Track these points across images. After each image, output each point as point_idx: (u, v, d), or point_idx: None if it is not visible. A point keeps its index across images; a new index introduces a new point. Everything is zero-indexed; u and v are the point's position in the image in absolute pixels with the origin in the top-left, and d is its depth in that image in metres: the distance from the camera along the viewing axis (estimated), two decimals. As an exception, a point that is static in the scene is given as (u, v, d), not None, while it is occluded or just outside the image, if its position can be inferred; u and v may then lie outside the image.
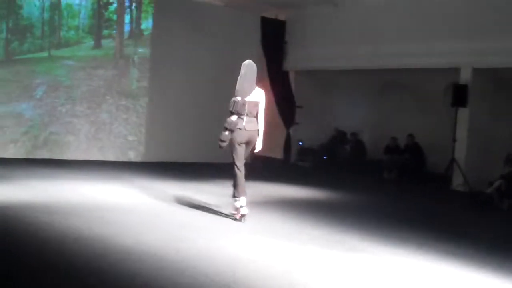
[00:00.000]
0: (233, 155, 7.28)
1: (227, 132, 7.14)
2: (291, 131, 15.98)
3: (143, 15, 13.58)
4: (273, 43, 15.84)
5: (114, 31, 13.24)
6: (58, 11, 12.59)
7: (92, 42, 12.97)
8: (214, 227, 6.92)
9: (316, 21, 15.54)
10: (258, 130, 7.29)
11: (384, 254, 6.15)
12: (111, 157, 13.05)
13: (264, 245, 6.16)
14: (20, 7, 12.12)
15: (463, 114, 12.46)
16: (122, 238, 5.89)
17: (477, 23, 12.07)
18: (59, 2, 12.58)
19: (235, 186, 7.28)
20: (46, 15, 12.41)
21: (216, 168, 13.00)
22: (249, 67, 7.31)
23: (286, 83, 16.13)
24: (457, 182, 12.36)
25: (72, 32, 12.72)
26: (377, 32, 13.93)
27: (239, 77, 7.29)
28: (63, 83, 12.38)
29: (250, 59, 7.43)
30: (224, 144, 7.21)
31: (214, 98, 14.58)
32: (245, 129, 7.16)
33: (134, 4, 13.53)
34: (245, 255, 5.66)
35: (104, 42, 13.08)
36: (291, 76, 16.32)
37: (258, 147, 7.40)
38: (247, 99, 7.17)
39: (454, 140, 12.47)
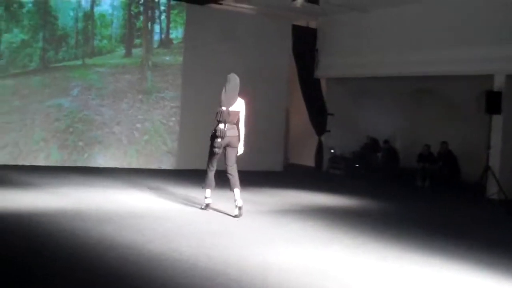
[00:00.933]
0: (209, 155, 8.14)
1: (219, 139, 7.90)
2: (323, 138, 15.92)
3: (172, 25, 13.81)
4: (304, 51, 15.83)
5: (146, 40, 13.45)
6: (92, 21, 12.88)
7: (124, 51, 13.23)
8: (246, 234, 6.93)
9: (347, 29, 15.49)
10: (238, 136, 8.04)
11: (416, 264, 6.06)
12: (143, 165, 13.19)
13: (297, 253, 6.13)
14: (56, 17, 12.45)
15: (497, 121, 12.26)
16: (155, 245, 5.93)
17: (510, 29, 11.89)
18: (92, 12, 12.86)
19: (205, 179, 8.21)
20: (80, 25, 12.74)
21: (249, 176, 13.02)
22: (231, 80, 8.14)
23: (317, 91, 16.09)
24: (492, 190, 12.15)
25: (105, 41, 13.03)
26: (408, 39, 13.82)
27: (223, 89, 8.09)
28: (95, 85, 12.76)
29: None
30: (219, 150, 7.98)
31: (246, 106, 14.64)
32: (226, 135, 7.91)
33: (163, 15, 13.70)
34: (277, 263, 5.64)
35: (135, 51, 13.34)
36: (323, 83, 16.28)
37: (240, 150, 8.13)
38: (230, 108, 7.95)
39: (489, 148, 12.27)
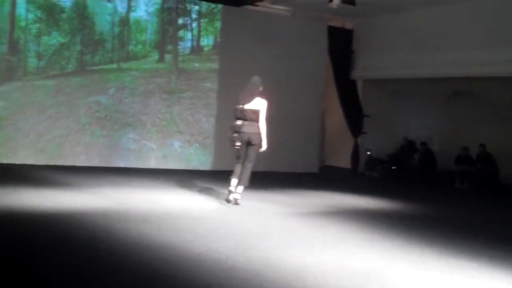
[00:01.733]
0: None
1: (235, 134, 8.54)
2: (359, 140, 15.81)
3: (203, 32, 14.11)
4: (340, 52, 15.75)
5: (178, 46, 13.75)
6: (127, 26, 13.16)
7: (157, 56, 13.54)
8: (283, 236, 6.90)
9: (383, 30, 15.36)
10: (258, 133, 8.54)
11: (455, 270, 5.96)
12: (181, 166, 13.30)
13: (335, 255, 6.08)
14: (93, 22, 12.78)
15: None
16: (193, 246, 5.95)
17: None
18: (128, 18, 13.12)
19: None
20: (116, 30, 13.04)
21: (284, 177, 13.03)
22: (252, 81, 8.81)
23: (353, 92, 16.00)
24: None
25: (140, 46, 13.33)
26: (445, 40, 13.64)
27: (244, 89, 8.74)
28: (128, 86, 13.13)
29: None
30: (237, 144, 8.57)
31: (282, 107, 14.63)
32: (245, 132, 8.48)
33: (195, 23, 13.93)
34: (316, 265, 5.60)
35: (167, 56, 13.69)
36: (359, 85, 16.18)
37: (263, 147, 8.67)
38: (247, 107, 8.54)
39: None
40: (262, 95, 8.69)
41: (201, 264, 5.29)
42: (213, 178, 11.90)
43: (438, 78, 14.24)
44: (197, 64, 13.92)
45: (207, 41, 14.15)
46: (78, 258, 5.29)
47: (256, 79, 8.83)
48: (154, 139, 13.19)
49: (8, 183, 9.18)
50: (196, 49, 14.03)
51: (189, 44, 13.93)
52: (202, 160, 13.74)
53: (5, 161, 11.62)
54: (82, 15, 12.68)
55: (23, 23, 12.07)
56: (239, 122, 8.55)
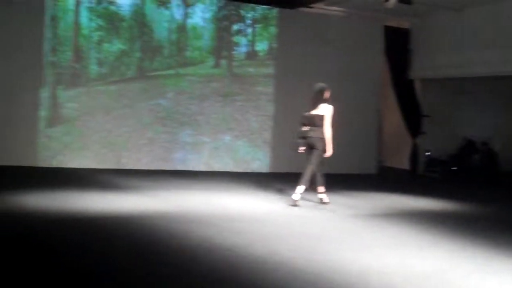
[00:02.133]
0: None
1: (299, 140, 8.93)
2: (418, 140, 15.58)
3: (257, 38, 14.20)
4: (397, 52, 15.56)
5: (233, 52, 13.92)
6: (184, 33, 13.43)
7: (213, 62, 13.76)
8: (344, 238, 6.90)
9: (440, 28, 15.09)
10: (321, 138, 8.79)
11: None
12: (237, 168, 13.43)
13: (398, 257, 6.04)
14: (151, 29, 13.07)
15: None
16: (255, 248, 6.01)
17: None
18: (185, 25, 13.39)
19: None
20: (173, 37, 13.32)
21: (341, 179, 12.95)
22: (316, 88, 9.11)
23: (411, 92, 15.78)
24: None
25: (197, 52, 13.58)
26: (506, 37, 13.29)
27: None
28: (186, 90, 13.41)
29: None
30: (301, 149, 8.91)
31: (339, 108, 14.56)
32: (309, 136, 8.84)
33: (250, 28, 14.11)
34: (378, 267, 5.58)
35: (223, 62, 13.86)
36: (417, 84, 15.94)
37: (328, 152, 8.89)
38: (313, 113, 8.89)
39: None
40: (328, 101, 8.99)
41: (262, 267, 5.34)
42: (270, 180, 11.96)
43: (499, 76, 13.90)
44: (251, 69, 14.10)
45: (262, 46, 14.26)
46: (140, 260, 5.42)
47: (317, 85, 9.14)
48: (207, 134, 13.56)
49: (74, 187, 9.49)
50: (251, 54, 14.19)
51: (244, 49, 14.10)
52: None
53: (74, 165, 12.13)
54: (141, 22, 13.00)
55: (85, 31, 12.48)
56: (305, 128, 8.91)
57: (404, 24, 15.93)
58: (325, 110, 8.90)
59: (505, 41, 13.32)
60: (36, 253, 5.47)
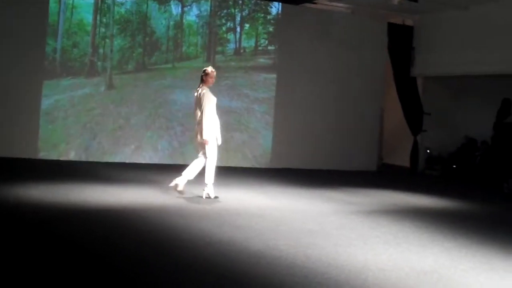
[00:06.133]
0: None
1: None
2: (418, 138, 15.56)
3: (251, 34, 14.36)
4: (400, 49, 15.52)
5: (226, 48, 14.12)
6: (181, 29, 13.74)
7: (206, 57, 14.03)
8: (343, 234, 6.89)
9: (444, 26, 15.05)
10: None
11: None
12: (238, 164, 13.41)
13: (396, 254, 6.04)
14: (151, 26, 13.43)
15: None
16: (253, 243, 6.01)
17: None
18: (181, 22, 13.68)
19: None
20: (171, 33, 13.68)
21: (342, 175, 12.98)
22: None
23: (413, 89, 15.74)
24: None
25: (192, 48, 13.87)
26: (510, 36, 13.25)
27: None
28: (181, 81, 13.63)
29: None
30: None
31: (340, 105, 14.57)
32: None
33: (238, 27, 14.29)
34: (377, 263, 5.58)
35: (217, 56, 14.01)
36: (419, 82, 15.91)
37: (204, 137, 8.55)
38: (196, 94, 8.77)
39: None
40: (206, 83, 8.64)
41: (261, 261, 5.34)
42: (270, 176, 11.96)
43: (502, 75, 13.86)
44: (233, 63, 14.16)
45: (248, 43, 14.35)
46: (140, 254, 5.43)
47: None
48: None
49: (77, 180, 9.52)
50: (238, 51, 14.27)
51: (232, 46, 14.20)
52: (259, 158, 13.86)
53: (75, 158, 12.20)
54: (143, 20, 13.31)
55: (88, 28, 12.79)
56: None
57: (407, 21, 15.89)
58: (203, 93, 8.53)
59: (509, 40, 13.28)
60: (53, 241, 5.51)
